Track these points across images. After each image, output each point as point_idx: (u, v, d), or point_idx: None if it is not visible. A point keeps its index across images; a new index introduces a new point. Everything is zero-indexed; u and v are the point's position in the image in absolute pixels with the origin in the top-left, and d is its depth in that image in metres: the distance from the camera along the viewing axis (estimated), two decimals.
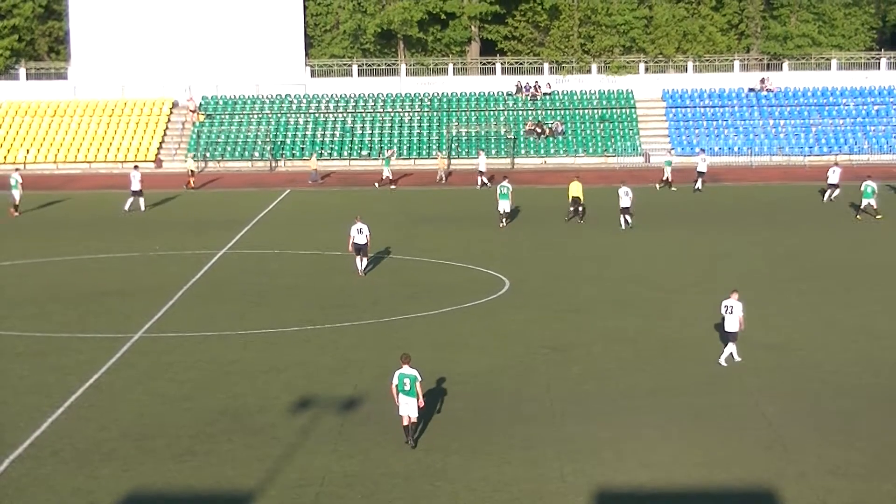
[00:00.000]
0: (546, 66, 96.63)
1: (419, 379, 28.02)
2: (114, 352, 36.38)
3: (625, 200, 58.85)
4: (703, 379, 33.24)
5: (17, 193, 66.39)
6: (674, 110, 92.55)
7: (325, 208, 69.02)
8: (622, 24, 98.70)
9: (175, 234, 58.88)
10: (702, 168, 74.45)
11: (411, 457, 27.22)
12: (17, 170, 72.59)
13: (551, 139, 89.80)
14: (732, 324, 34.49)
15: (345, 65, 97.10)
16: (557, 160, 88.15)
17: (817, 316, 40.46)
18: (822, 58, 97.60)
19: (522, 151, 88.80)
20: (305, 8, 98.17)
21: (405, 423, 27.96)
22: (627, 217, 58.85)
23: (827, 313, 41.01)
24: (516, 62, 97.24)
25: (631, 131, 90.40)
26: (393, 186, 77.30)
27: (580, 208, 60.45)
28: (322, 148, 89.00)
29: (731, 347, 34.74)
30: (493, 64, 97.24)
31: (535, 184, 74.37)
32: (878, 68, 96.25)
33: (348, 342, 37.71)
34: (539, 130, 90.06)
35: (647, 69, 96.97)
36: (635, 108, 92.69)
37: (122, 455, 27.50)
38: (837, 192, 68.21)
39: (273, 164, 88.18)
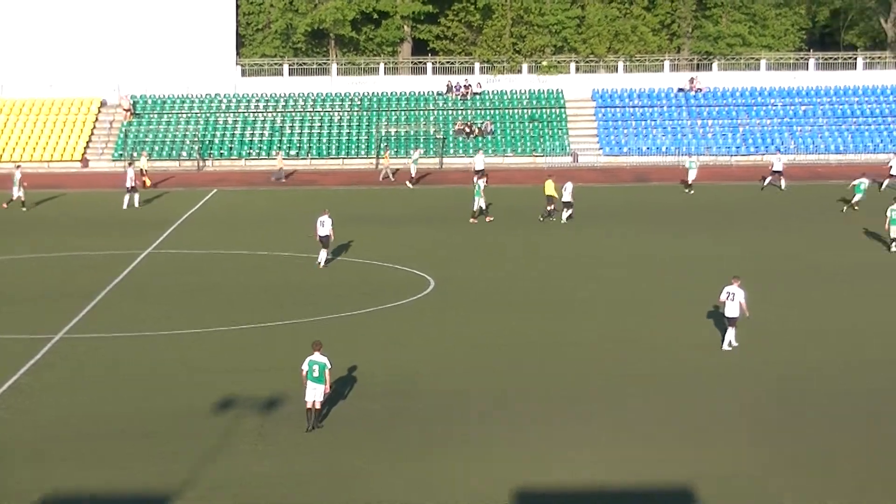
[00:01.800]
0: (477, 65, 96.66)
1: (328, 366, 28.83)
2: (34, 353, 36.00)
3: (566, 195, 61.12)
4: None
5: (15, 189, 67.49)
6: (603, 110, 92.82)
7: (251, 208, 68.64)
8: (554, 24, 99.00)
9: (99, 234, 58.22)
10: (777, 167, 74.42)
11: (331, 457, 27.18)
12: (17, 167, 71.97)
13: (480, 139, 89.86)
14: (733, 309, 35.52)
15: (276, 64, 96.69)
16: (486, 160, 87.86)
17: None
18: (752, 58, 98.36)
19: (451, 151, 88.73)
20: (238, 7, 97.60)
21: (308, 406, 28.72)
22: (569, 211, 61.20)
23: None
24: (447, 62, 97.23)
25: (560, 131, 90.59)
26: (411, 185, 77.35)
27: (554, 207, 61.35)
28: (251, 147, 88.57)
29: (730, 333, 35.77)
30: (425, 63, 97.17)
31: (465, 184, 74.11)
32: (807, 69, 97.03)
33: (271, 342, 37.59)
34: (468, 130, 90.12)
35: (577, 69, 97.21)
36: (565, 107, 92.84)
37: (41, 457, 27.23)
38: None
39: (201, 164, 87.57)
